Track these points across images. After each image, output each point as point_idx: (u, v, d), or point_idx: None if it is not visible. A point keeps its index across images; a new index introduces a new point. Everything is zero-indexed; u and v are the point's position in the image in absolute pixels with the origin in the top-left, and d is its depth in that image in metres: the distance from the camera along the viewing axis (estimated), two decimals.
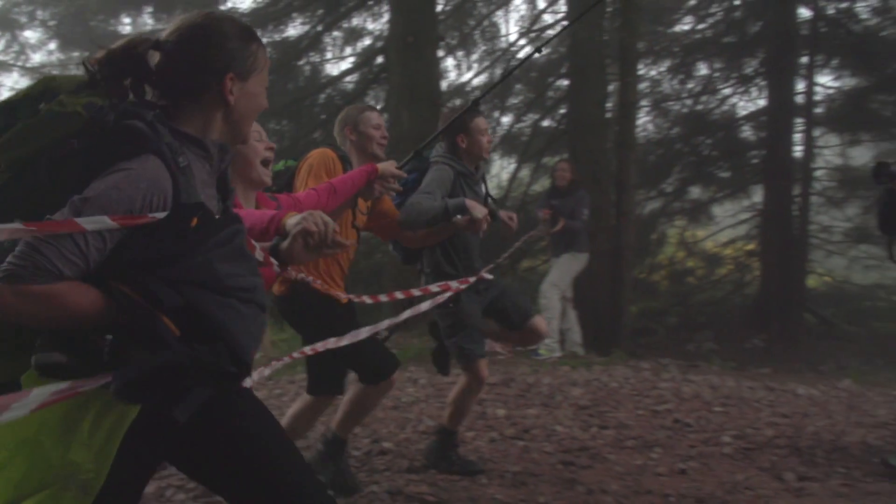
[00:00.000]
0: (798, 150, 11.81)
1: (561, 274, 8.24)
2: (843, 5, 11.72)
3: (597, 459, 4.50)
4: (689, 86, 13.14)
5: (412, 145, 8.61)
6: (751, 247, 12.76)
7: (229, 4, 11.83)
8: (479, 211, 3.76)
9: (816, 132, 12.03)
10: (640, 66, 12.53)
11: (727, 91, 12.77)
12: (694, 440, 4.91)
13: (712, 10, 12.82)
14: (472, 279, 3.87)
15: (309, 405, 3.93)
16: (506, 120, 13.27)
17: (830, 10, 11.82)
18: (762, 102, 12.38)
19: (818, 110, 11.97)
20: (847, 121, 11.75)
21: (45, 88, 1.74)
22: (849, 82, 12.03)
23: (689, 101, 13.04)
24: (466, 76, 13.39)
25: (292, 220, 2.23)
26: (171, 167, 1.66)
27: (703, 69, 13.10)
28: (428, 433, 4.82)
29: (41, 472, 1.61)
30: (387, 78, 10.15)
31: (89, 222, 1.53)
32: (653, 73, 13.27)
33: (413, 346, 7.92)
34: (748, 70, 12.46)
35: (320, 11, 11.71)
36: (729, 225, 13.10)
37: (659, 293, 13.11)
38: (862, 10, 11.71)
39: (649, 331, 11.12)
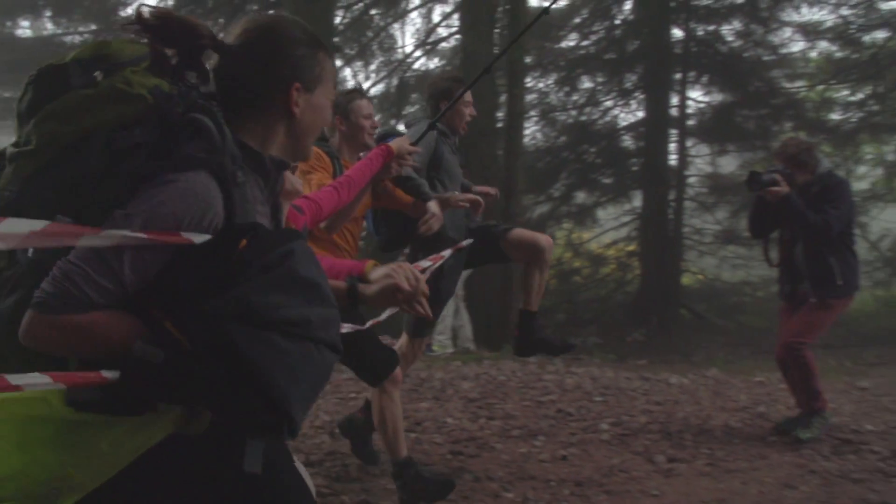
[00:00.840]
0: (673, 159, 12.27)
1: None
2: (711, 28, 12.22)
3: (484, 448, 4.55)
4: (575, 98, 13.46)
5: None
6: (631, 248, 13.15)
7: (129, 10, 11.44)
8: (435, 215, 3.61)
9: (689, 142, 12.51)
10: (529, 78, 12.79)
11: (609, 103, 13.15)
12: (575, 428, 5.01)
13: (595, 28, 13.18)
14: (446, 253, 3.47)
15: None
16: (402, 128, 13.27)
17: (700, 32, 12.31)
18: (641, 114, 12.79)
19: (690, 122, 12.47)
20: (716, 132, 12.27)
21: (97, 54, 1.47)
22: (717, 97, 12.60)
23: (574, 112, 13.35)
24: (365, 85, 13.34)
25: (379, 272, 2.02)
26: (228, 182, 1.42)
27: (587, 83, 13.43)
28: (324, 427, 4.78)
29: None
30: None
31: (122, 237, 1.29)
32: (541, 85, 13.55)
33: None
34: (628, 84, 12.85)
35: (221, 20, 11.48)
36: (612, 227, 13.45)
37: (547, 291, 13.30)
38: (727, 33, 12.27)
39: None
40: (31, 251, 1.36)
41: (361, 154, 3.56)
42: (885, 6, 12.07)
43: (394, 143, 3.20)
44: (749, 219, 5.27)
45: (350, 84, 13.24)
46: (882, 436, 4.95)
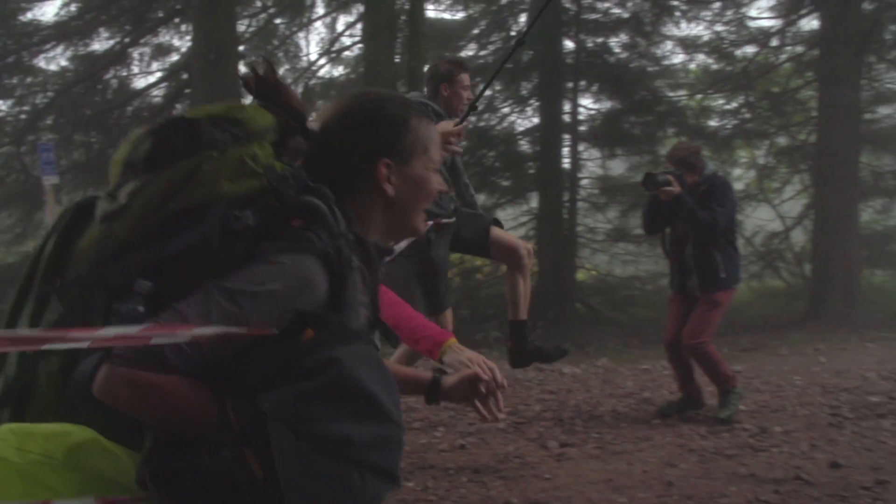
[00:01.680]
0: (566, 162, 12.48)
1: None
2: (600, 40, 12.51)
3: None
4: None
5: None
6: (529, 246, 13.30)
7: (29, 16, 10.95)
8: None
9: (581, 147, 12.75)
10: None
11: (506, 110, 13.27)
12: (473, 419, 5.03)
13: (493, 39, 13.30)
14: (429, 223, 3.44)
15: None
16: None
17: (590, 44, 12.55)
18: (536, 120, 12.95)
19: (582, 128, 12.68)
20: (606, 137, 12.55)
21: (230, 117, 1.32)
22: (606, 105, 12.84)
23: (474, 119, 13.42)
24: None
25: (453, 358, 1.90)
26: (343, 267, 1.28)
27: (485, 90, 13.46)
28: None
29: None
30: (191, 93, 9.78)
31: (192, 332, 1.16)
32: None
33: None
34: (524, 92, 13.01)
35: (127, 27, 11.12)
36: (511, 227, 13.55)
37: (451, 289, 13.41)
38: (615, 45, 12.59)
39: None
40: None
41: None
42: (753, 24, 12.71)
43: (438, 126, 2.93)
44: (643, 216, 5.46)
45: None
46: (752, 415, 5.20)
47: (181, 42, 11.75)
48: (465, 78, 4.02)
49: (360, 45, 11.48)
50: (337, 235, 1.28)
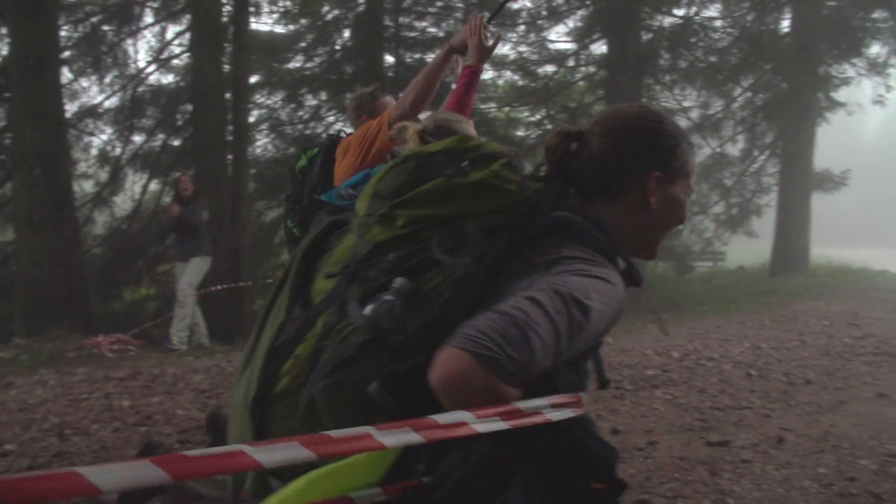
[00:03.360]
0: None
1: (196, 274, 8.30)
2: (417, 56, 13.15)
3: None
4: (301, 113, 13.84)
5: (36, 161, 8.07)
6: None
7: None
8: None
9: None
10: (259, 95, 12.97)
11: (332, 118, 13.63)
12: None
13: (318, 52, 13.62)
14: None
15: None
16: (138, 139, 12.86)
17: (409, 59, 13.18)
18: None
19: None
20: None
21: (464, 147, 1.39)
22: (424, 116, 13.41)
23: (300, 126, 13.69)
24: (98, 98, 12.72)
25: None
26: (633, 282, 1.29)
27: (311, 100, 13.85)
28: (52, 431, 4.60)
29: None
30: (9, 98, 9.40)
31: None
32: (270, 101, 13.76)
33: (45, 350, 7.50)
34: (347, 102, 13.33)
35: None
36: None
37: None
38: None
39: None
40: (369, 308, 1.26)
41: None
42: (553, 46, 13.85)
43: (455, 40, 3.25)
44: None
45: (84, 98, 12.61)
46: None
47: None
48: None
49: (188, 54, 11.40)
50: (617, 250, 1.30)
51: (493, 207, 1.32)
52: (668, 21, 13.58)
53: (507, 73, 13.93)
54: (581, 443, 1.25)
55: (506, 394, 1.06)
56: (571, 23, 13.55)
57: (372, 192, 1.43)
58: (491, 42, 3.13)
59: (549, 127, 13.82)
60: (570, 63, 13.92)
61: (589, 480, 1.25)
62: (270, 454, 0.84)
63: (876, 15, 13.70)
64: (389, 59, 13.13)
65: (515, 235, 1.28)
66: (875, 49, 14.26)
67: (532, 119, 14.22)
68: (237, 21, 9.91)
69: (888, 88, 14.07)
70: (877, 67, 14.21)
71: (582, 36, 13.50)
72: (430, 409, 1.02)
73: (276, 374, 1.34)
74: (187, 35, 12.00)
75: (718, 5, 14.10)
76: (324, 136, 13.82)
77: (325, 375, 1.25)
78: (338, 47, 13.54)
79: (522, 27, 13.56)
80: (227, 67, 10.53)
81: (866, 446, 4.43)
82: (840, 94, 14.44)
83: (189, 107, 11.81)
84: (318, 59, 13.69)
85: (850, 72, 14.18)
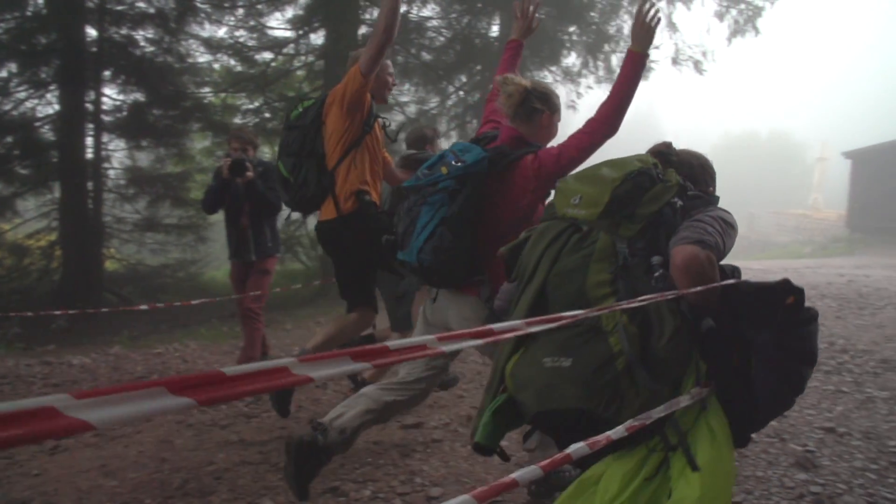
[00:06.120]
0: (90, 152, 12.03)
1: None
2: (125, 31, 12.24)
3: None
4: None
5: None
6: (52, 237, 12.58)
7: None
8: None
9: (106, 137, 12.40)
10: None
11: (23, 94, 12.22)
12: None
13: (6, 17, 12.16)
14: None
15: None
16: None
17: (115, 35, 12.25)
18: (57, 107, 12.22)
19: (108, 118, 12.34)
20: (131, 129, 12.38)
21: (656, 162, 2.37)
22: (132, 97, 12.60)
23: None
24: None
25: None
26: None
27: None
28: None
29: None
30: None
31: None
32: None
33: None
34: (44, 76, 12.14)
35: None
36: (32, 217, 12.67)
37: None
38: (140, 38, 12.45)
39: None
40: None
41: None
42: (272, 33, 13.66)
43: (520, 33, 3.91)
44: (206, 198, 5.99)
45: None
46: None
47: None
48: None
49: None
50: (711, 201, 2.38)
51: (673, 194, 2.25)
52: None
53: (224, 58, 13.47)
54: (751, 284, 2.11)
55: (714, 262, 2.04)
56: (291, 10, 13.46)
57: (608, 200, 2.21)
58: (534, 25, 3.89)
59: (267, 115, 13.69)
60: (290, 51, 13.83)
61: (783, 298, 2.02)
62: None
63: (572, 29, 15.26)
64: (92, 32, 12.12)
65: (687, 203, 2.28)
66: (570, 59, 15.91)
67: (250, 107, 13.92)
68: None
69: (579, 95, 15.79)
70: (571, 76, 15.86)
71: (302, 24, 13.47)
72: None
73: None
74: None
75: (434, 6, 14.84)
76: (13, 114, 12.52)
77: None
78: (29, 13, 12.19)
79: (241, 11, 13.21)
80: None
81: None
82: None
83: None
84: (4, 25, 12.22)
85: (549, 78, 15.65)
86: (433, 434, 4.66)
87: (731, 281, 2.10)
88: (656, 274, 2.08)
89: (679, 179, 2.31)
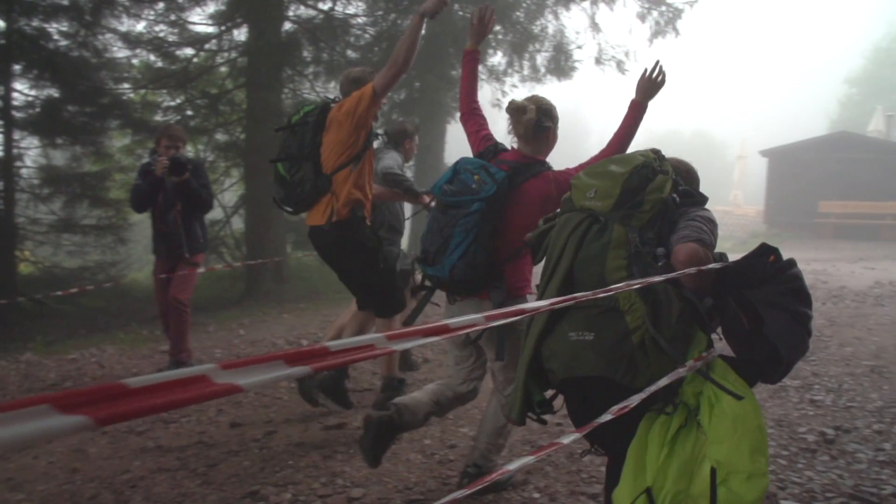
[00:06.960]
0: (1, 150, 11.53)
1: None
2: (36, 24, 11.74)
3: None
4: None
5: None
6: None
7: None
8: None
9: (18, 135, 11.90)
10: None
11: None
12: None
13: None
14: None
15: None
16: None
17: (26, 27, 11.73)
18: None
19: (19, 114, 11.83)
20: (45, 126, 11.88)
21: (657, 159, 2.70)
22: (47, 92, 12.07)
23: None
24: None
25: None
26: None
27: None
28: None
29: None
30: None
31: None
32: None
33: None
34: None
35: None
36: None
37: None
38: (54, 31, 11.96)
39: None
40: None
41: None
42: (193, 28, 13.35)
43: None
44: (135, 197, 5.97)
45: None
46: None
47: None
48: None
49: None
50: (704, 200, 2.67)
51: (670, 188, 2.59)
52: (310, 13, 13.86)
53: (143, 53, 13.07)
54: (737, 261, 2.45)
55: (710, 256, 2.37)
56: (213, 6, 13.17)
57: (619, 192, 2.58)
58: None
59: (189, 112, 13.38)
60: (212, 47, 13.54)
61: (766, 258, 2.37)
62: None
63: (497, 28, 15.39)
64: (0, 23, 11.56)
65: (683, 200, 2.61)
66: (496, 59, 16.04)
67: (171, 104, 13.56)
68: None
69: (504, 93, 15.94)
70: (496, 74, 16.01)
71: (224, 19, 13.20)
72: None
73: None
74: None
75: (360, 3, 14.75)
76: None
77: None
78: None
79: (161, 4, 12.85)
80: None
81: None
82: None
83: None
84: None
85: None
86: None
87: (720, 264, 2.42)
88: (660, 263, 2.40)
89: (672, 172, 2.67)
